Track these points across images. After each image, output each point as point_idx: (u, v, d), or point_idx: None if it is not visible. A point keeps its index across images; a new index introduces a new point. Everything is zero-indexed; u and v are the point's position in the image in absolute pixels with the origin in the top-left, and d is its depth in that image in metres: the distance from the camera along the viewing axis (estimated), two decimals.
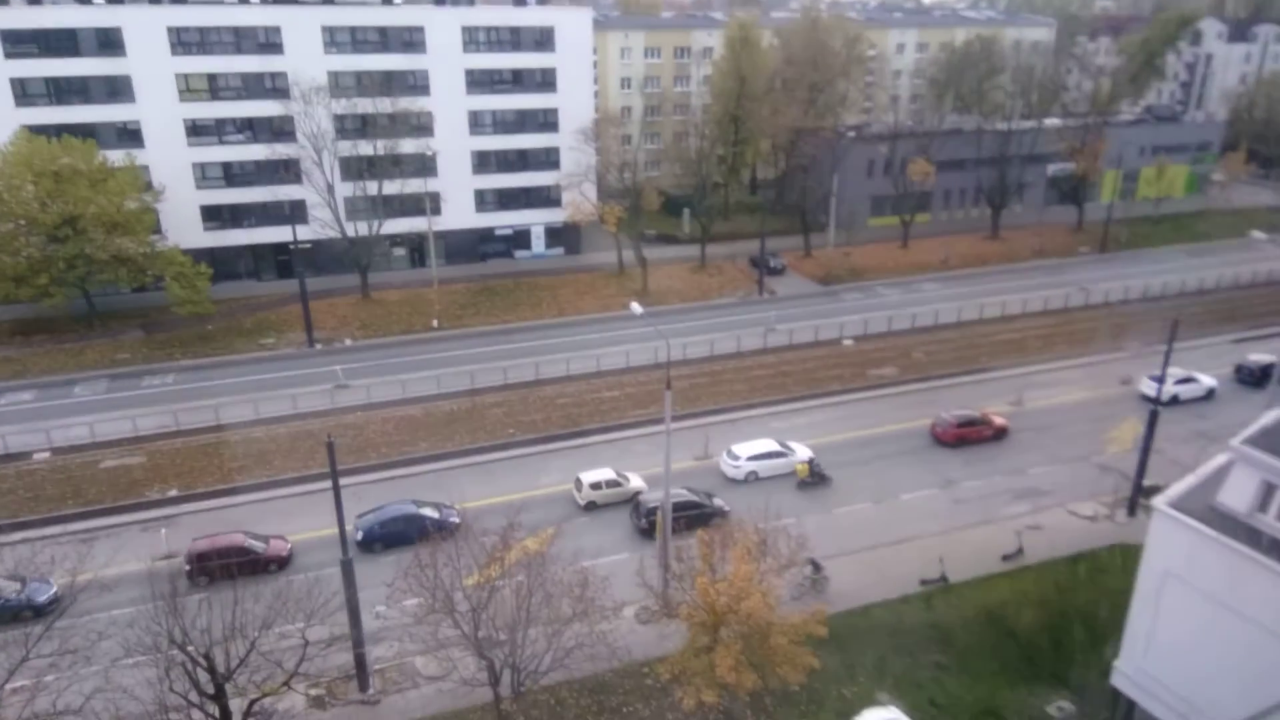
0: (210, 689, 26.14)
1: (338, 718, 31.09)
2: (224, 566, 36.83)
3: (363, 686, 31.95)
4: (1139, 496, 41.74)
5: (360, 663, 31.79)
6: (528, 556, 29.16)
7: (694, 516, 39.50)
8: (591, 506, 43.37)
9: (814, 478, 45.47)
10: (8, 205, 60.00)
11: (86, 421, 50.86)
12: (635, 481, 44.43)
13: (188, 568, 37.56)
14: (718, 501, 42.44)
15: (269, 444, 49.81)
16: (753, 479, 45.46)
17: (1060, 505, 43.69)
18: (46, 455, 48.40)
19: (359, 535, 39.83)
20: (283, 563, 38.79)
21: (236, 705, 26.81)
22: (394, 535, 39.79)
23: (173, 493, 44.95)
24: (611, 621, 31.32)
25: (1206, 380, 54.82)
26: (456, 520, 39.41)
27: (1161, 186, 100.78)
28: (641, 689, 31.65)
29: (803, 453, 46.60)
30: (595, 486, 43.44)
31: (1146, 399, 51.09)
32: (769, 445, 46.67)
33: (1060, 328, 67.16)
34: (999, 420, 50.56)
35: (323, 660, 29.70)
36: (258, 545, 38.94)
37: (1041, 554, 39.54)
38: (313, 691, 31.52)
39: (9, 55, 65.18)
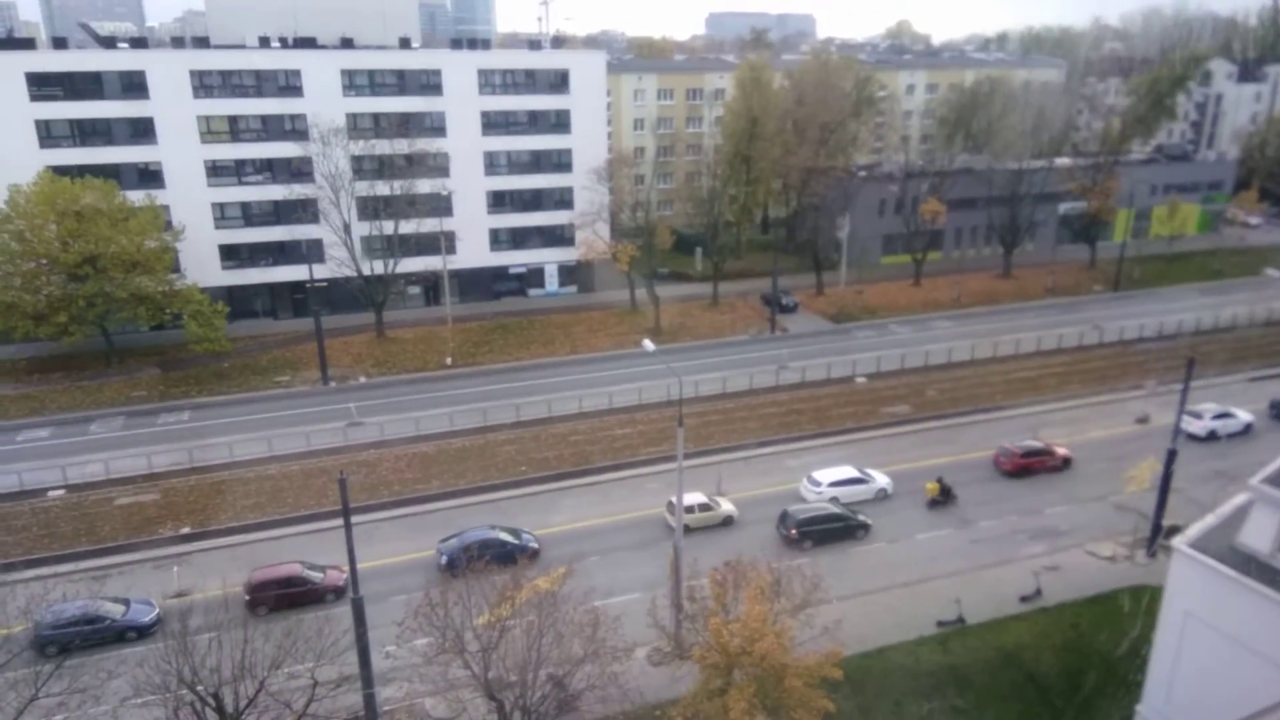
0: None
1: None
2: (281, 596, 37.46)
3: None
4: (1158, 537, 41.17)
5: (369, 704, 31.41)
6: (539, 595, 28.93)
7: (839, 529, 42.76)
8: (685, 530, 43.43)
9: (944, 495, 46.54)
10: (30, 244, 61.02)
11: (102, 458, 51.13)
12: (726, 506, 45.34)
13: (247, 598, 37.84)
14: (861, 516, 44.08)
15: (282, 481, 49.87)
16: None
17: (1078, 545, 43.08)
18: (62, 492, 48.61)
19: (443, 559, 40.50)
20: (340, 592, 38.66)
21: None
22: (476, 560, 39.98)
23: (186, 530, 44.99)
24: (623, 663, 30.92)
25: (1244, 415, 54.40)
26: (535, 545, 41.36)
27: (1174, 225, 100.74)
28: None
29: (881, 479, 47.66)
30: (689, 510, 43.71)
31: (1187, 435, 51.74)
32: (849, 472, 47.74)
33: (1074, 366, 66.79)
34: (1062, 450, 50.77)
35: (331, 701, 29.39)
36: (315, 575, 39.21)
37: (1060, 595, 38.94)
38: None
39: (34, 98, 66.70)
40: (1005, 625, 37.05)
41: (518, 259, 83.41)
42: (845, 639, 30.16)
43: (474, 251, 79.93)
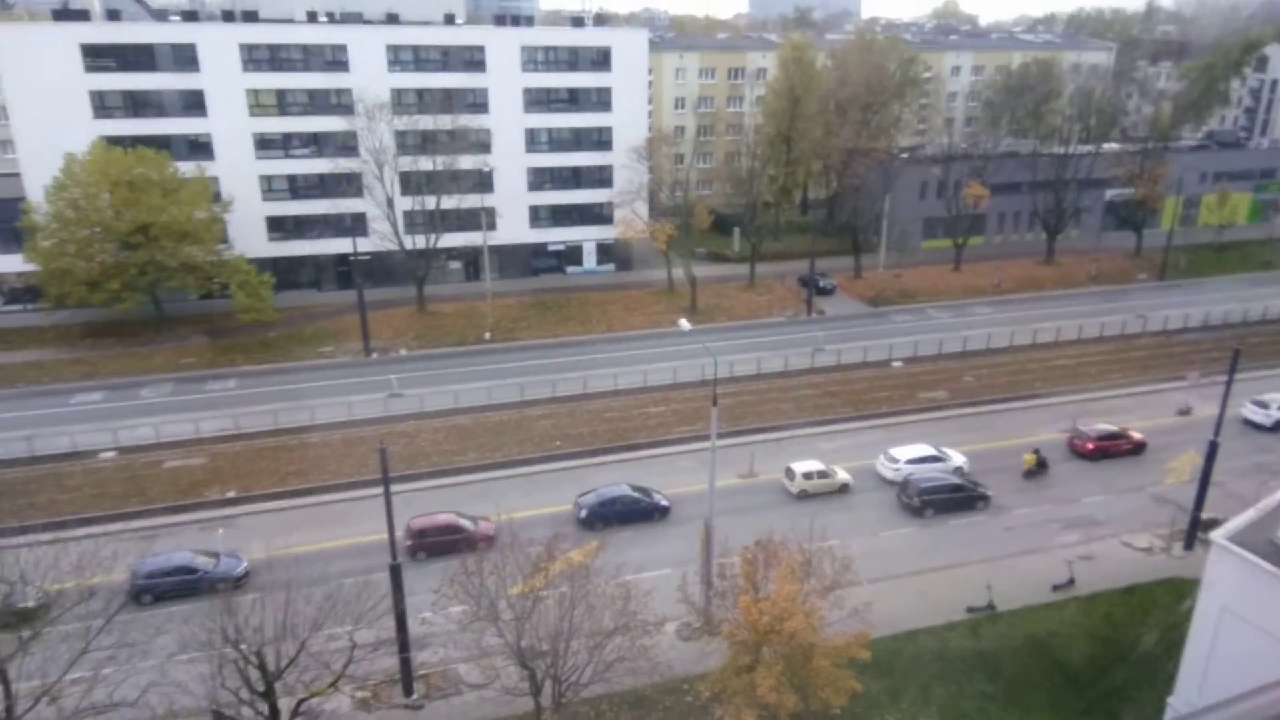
0: (260, 687, 26.81)
1: None
2: (439, 543, 39.62)
3: (407, 691, 32.49)
4: (1197, 529, 40.76)
5: (405, 668, 32.34)
6: (571, 568, 29.47)
7: (960, 499, 44.43)
8: (804, 495, 45.41)
9: (1039, 466, 47.70)
10: (84, 213, 62.56)
11: (152, 423, 52.64)
12: (842, 474, 46.73)
13: (409, 543, 39.81)
14: (982, 488, 45.35)
15: (325, 449, 51.03)
16: (901, 482, 46.43)
17: (1114, 536, 42.81)
18: (113, 454, 50.17)
19: (582, 513, 43.03)
20: (490, 541, 39.89)
21: (285, 704, 27.44)
22: (613, 515, 42.79)
23: (231, 494, 46.29)
24: (653, 636, 31.43)
25: None
26: (665, 503, 43.42)
27: (1224, 214, 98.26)
28: (681, 706, 31.71)
29: (957, 458, 48.29)
30: (807, 476, 45.89)
31: (1251, 424, 52.48)
32: (926, 450, 48.34)
33: (1116, 355, 65.87)
34: (1138, 435, 50.96)
35: (369, 663, 30.29)
36: (468, 525, 40.86)
37: (1093, 585, 38.79)
38: (358, 694, 32.18)
39: (89, 69, 68.10)
40: (1037, 613, 37.01)
41: (557, 236, 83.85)
42: (874, 621, 30.37)
43: (514, 228, 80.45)
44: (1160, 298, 78.84)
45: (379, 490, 32.10)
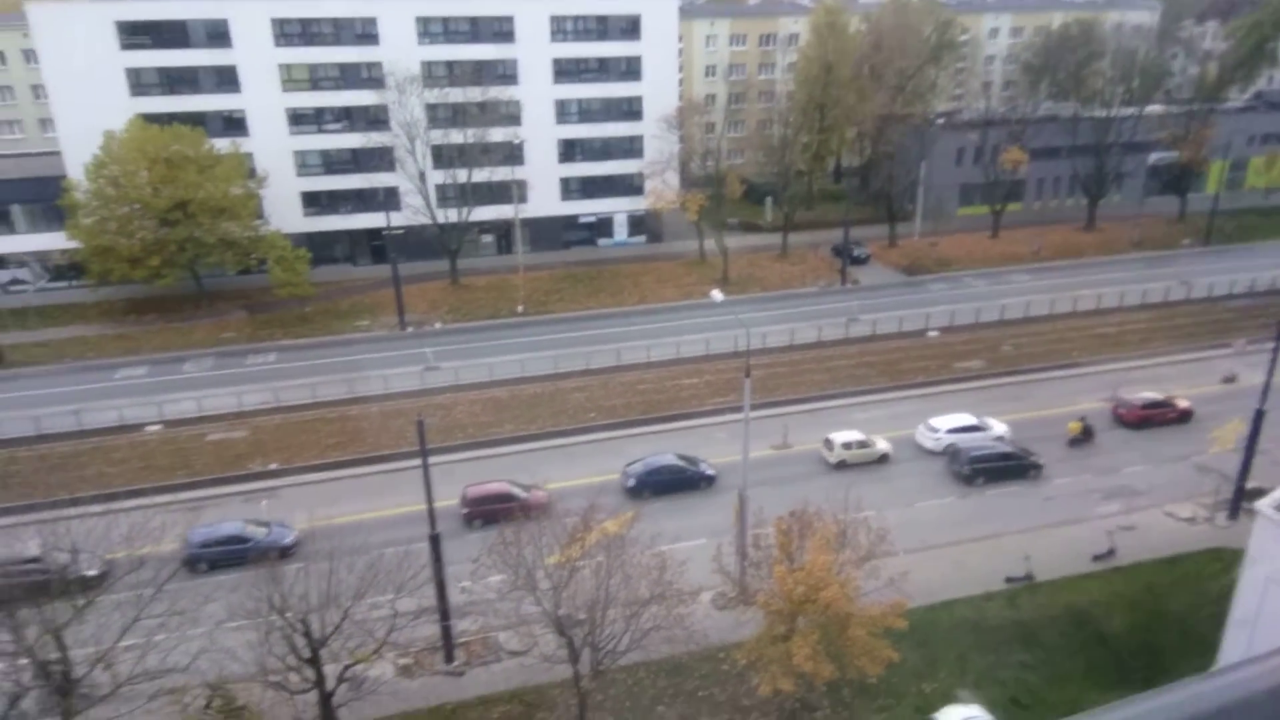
0: (307, 654, 27.46)
1: (425, 687, 32.28)
2: (493, 511, 40.13)
3: (448, 658, 33.12)
4: (1241, 499, 40.09)
5: (446, 635, 32.93)
6: (607, 538, 29.74)
7: (1012, 467, 44.13)
8: (842, 465, 45.54)
9: (1085, 435, 47.45)
10: (124, 190, 63.47)
11: (194, 396, 53.66)
12: (882, 444, 46.59)
13: (465, 510, 40.75)
14: (1034, 456, 45.10)
15: (362, 422, 51.75)
16: (951, 451, 46.29)
17: (1156, 506, 42.27)
18: (158, 428, 51.28)
19: (630, 482, 43.61)
20: (544, 509, 40.36)
21: (331, 670, 28.11)
22: (660, 484, 43.29)
23: (273, 466, 47.17)
24: (689, 605, 31.68)
25: None
26: (712, 473, 43.76)
27: (1272, 176, 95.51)
28: (718, 674, 32.02)
29: (999, 427, 48.00)
30: (846, 446, 45.90)
31: None
32: (967, 419, 48.04)
33: (1159, 322, 64.64)
34: (1183, 403, 50.28)
35: (411, 631, 30.85)
36: (521, 493, 41.53)
37: (1134, 555, 38.40)
38: (401, 661, 32.86)
39: (125, 46, 68.78)
40: (1076, 583, 36.77)
41: (587, 208, 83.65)
42: (911, 591, 30.35)
43: (545, 200, 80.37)
44: (1205, 263, 77.07)
45: (417, 462, 32.51)
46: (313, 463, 47.44)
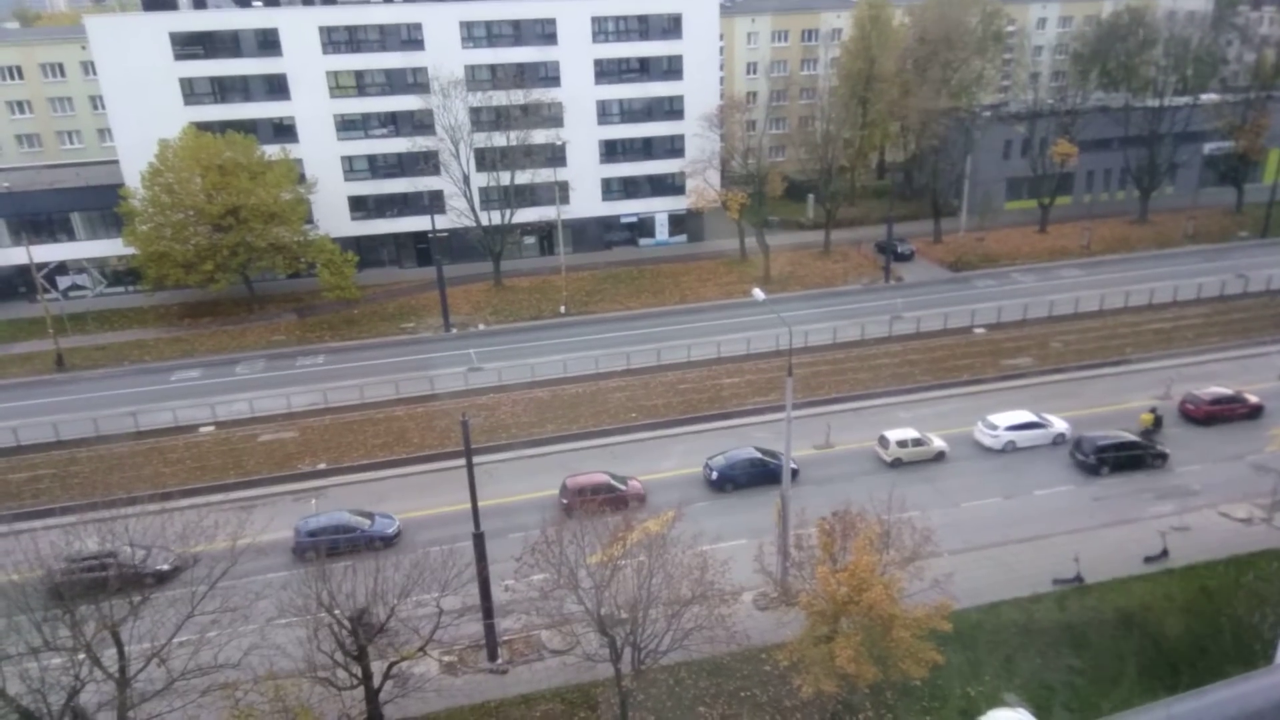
0: (354, 651, 28.02)
1: (469, 684, 32.68)
2: (594, 501, 40.33)
3: (491, 656, 33.50)
4: None
5: (490, 633, 33.32)
6: (648, 538, 29.84)
7: (1135, 457, 43.95)
8: (897, 463, 45.44)
9: (1156, 425, 46.94)
10: (178, 197, 65.19)
11: (246, 398, 54.95)
12: (938, 442, 46.35)
13: (564, 501, 41.32)
14: (1160, 445, 45.00)
15: (408, 422, 52.56)
16: (1010, 449, 46.11)
17: (1210, 506, 41.20)
18: (211, 428, 52.63)
19: (713, 475, 44.02)
20: (642, 501, 41.56)
21: (377, 667, 28.64)
22: (743, 477, 43.97)
23: (322, 466, 48.14)
24: (730, 606, 31.67)
25: None
26: (794, 466, 43.04)
27: None
28: (760, 674, 31.95)
29: (1059, 424, 47.33)
30: (901, 444, 45.77)
31: None
32: (1026, 416, 47.62)
33: (1214, 317, 62.92)
34: (1253, 399, 49.25)
35: (455, 629, 31.30)
36: (619, 485, 42.36)
37: (1188, 557, 37.46)
38: (446, 658, 33.33)
39: (178, 56, 70.65)
40: (1127, 585, 36.00)
41: (629, 208, 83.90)
42: (956, 593, 30.00)
43: (586, 201, 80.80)
44: (1263, 256, 74.81)
45: (461, 461, 32.91)
46: (360, 462, 48.32)
